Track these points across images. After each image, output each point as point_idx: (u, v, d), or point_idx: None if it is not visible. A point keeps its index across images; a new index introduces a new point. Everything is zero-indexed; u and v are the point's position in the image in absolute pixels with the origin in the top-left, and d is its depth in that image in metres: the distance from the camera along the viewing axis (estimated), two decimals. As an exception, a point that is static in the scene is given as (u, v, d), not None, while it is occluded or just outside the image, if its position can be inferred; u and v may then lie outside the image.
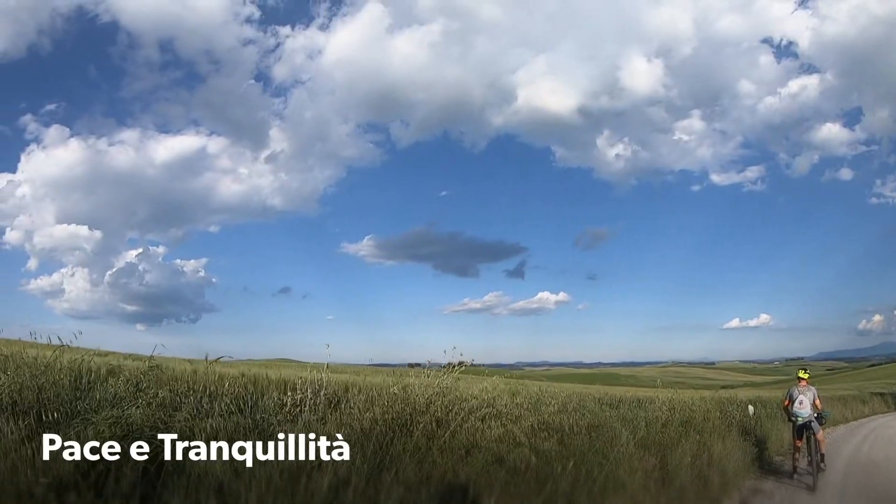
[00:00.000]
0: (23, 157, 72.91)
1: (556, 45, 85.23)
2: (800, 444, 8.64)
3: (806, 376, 8.87)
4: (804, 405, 8.60)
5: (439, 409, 5.17)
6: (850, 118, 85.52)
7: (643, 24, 77.60)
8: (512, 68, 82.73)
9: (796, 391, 8.71)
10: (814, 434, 8.43)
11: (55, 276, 73.64)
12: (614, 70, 75.27)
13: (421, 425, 4.96)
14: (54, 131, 69.94)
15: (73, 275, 73.68)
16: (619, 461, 5.09)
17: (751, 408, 13.35)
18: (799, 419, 8.59)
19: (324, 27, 75.36)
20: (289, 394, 5.41)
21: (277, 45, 74.33)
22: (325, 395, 5.50)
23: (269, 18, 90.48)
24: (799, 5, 75.39)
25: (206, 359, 5.88)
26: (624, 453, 5.38)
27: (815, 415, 8.60)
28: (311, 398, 5.32)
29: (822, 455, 8.45)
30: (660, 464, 5.89)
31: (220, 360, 6.02)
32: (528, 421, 5.70)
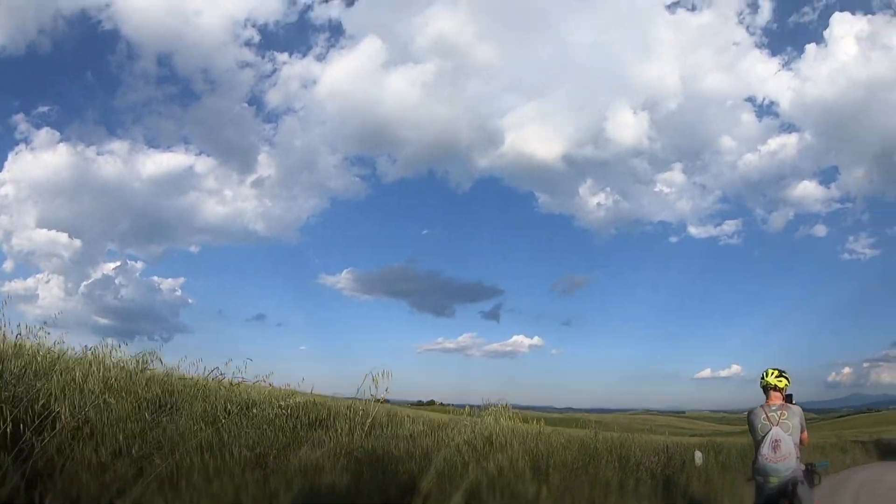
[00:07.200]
0: (10, 156, 70.69)
1: (546, 92, 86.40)
2: None
3: (783, 384, 4.56)
4: (782, 449, 4.24)
5: None
6: (826, 176, 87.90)
7: (632, 77, 79.52)
8: (501, 112, 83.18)
9: (762, 416, 4.44)
10: None
11: (30, 281, 70.57)
12: (601, 120, 76.28)
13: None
14: (44, 134, 68.17)
15: (48, 281, 70.46)
16: None
17: (698, 454, 9.25)
18: (772, 478, 4.23)
19: (321, 57, 75.04)
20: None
21: (273, 71, 73.74)
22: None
23: (269, 44, 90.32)
24: (782, 66, 77.88)
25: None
26: None
27: (804, 468, 4.33)
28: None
29: None
30: None
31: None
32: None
